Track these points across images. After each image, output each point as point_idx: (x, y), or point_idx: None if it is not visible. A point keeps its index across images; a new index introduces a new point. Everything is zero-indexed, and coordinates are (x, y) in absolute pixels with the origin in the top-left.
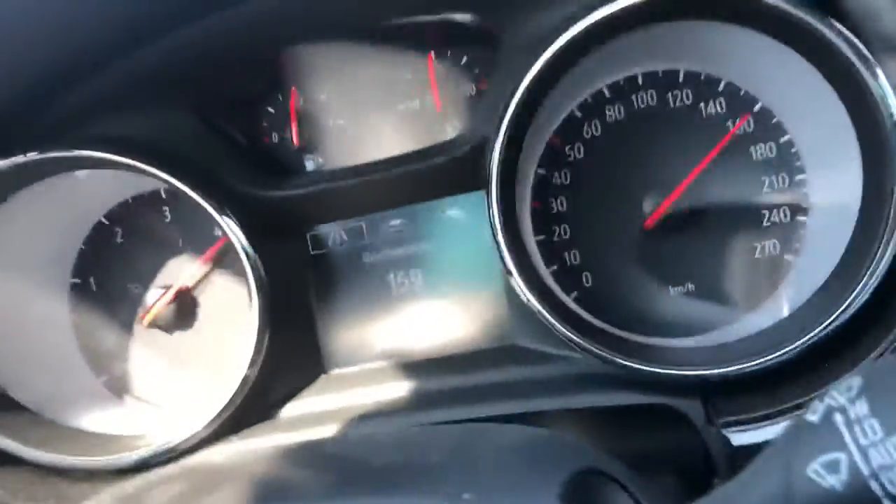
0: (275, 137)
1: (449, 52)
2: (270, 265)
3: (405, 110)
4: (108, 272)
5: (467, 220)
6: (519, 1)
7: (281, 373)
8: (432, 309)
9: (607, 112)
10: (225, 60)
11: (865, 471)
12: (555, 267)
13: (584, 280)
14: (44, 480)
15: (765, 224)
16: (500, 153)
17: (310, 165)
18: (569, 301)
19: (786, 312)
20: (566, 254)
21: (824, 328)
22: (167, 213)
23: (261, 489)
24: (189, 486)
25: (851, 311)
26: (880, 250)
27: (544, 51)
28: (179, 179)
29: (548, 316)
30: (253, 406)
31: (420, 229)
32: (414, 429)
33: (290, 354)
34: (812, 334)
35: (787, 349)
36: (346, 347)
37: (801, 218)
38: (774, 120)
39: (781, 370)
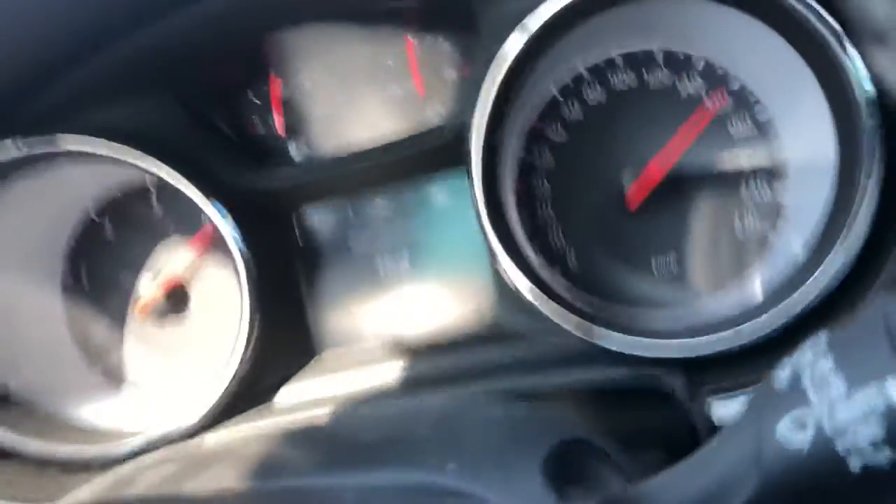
0: (259, 126)
1: (430, 38)
2: (258, 253)
3: (389, 96)
4: (98, 265)
5: (453, 204)
6: None
7: (272, 359)
8: (420, 292)
9: (587, 93)
10: (208, 49)
11: (830, 428)
12: (539, 247)
13: (568, 260)
14: (41, 472)
15: (744, 198)
16: (481, 136)
17: (295, 153)
18: (553, 281)
19: (768, 286)
20: (550, 234)
21: (806, 299)
22: (156, 205)
23: (250, 467)
24: (182, 467)
25: (831, 281)
26: (855, 219)
27: (521, 32)
28: (166, 170)
29: (533, 296)
30: (246, 393)
31: (406, 213)
32: (400, 405)
33: (281, 340)
34: (793, 305)
35: (768, 321)
36: (336, 331)
37: (779, 192)
38: (752, 97)
39: (765, 342)
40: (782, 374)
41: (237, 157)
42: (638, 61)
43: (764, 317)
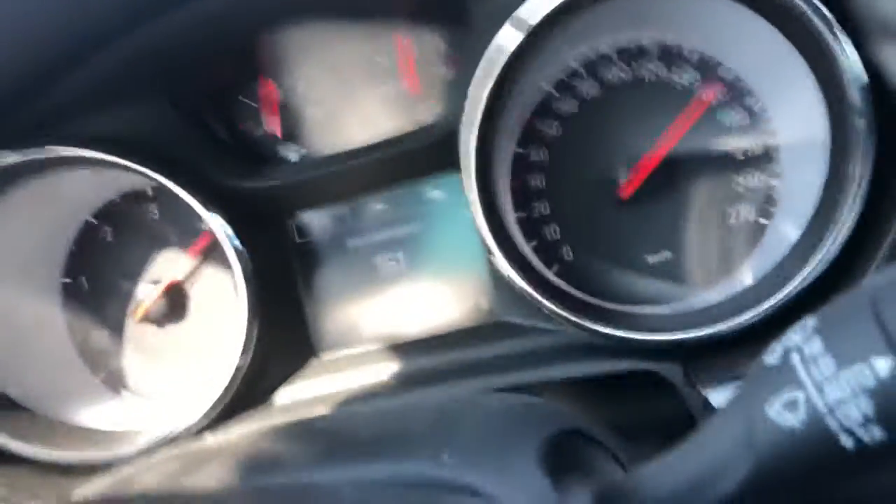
0: (253, 127)
1: (423, 34)
2: (256, 255)
3: (382, 94)
4: (98, 270)
5: (449, 201)
6: None
7: (272, 360)
8: (418, 290)
9: (581, 88)
10: (201, 52)
11: (822, 407)
12: (535, 242)
13: (564, 254)
14: (43, 477)
15: (738, 189)
16: (474, 133)
17: (290, 154)
18: (550, 275)
19: (761, 274)
20: (546, 229)
21: (799, 284)
22: (154, 209)
23: (249, 464)
24: (182, 465)
25: (822, 266)
26: (846, 207)
27: (513, 27)
28: (161, 175)
29: (530, 291)
30: (246, 394)
31: (403, 212)
32: (398, 401)
33: (280, 341)
34: (787, 292)
35: (763, 308)
36: (334, 332)
37: (773, 181)
38: (743, 85)
39: (760, 329)
40: (772, 356)
41: (232, 160)
42: (631, 54)
43: (758, 304)
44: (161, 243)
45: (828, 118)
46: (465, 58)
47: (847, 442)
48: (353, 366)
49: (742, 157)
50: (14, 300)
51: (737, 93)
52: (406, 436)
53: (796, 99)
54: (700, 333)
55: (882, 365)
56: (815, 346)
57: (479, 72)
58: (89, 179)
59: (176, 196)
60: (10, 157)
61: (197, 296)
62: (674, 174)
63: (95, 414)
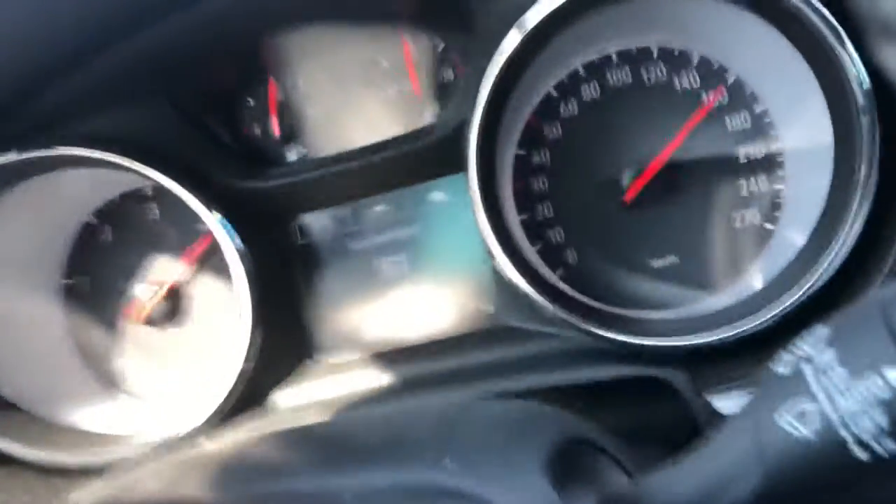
0: (256, 129)
1: (425, 37)
2: (257, 257)
3: (385, 96)
4: (98, 271)
5: (451, 203)
6: None
7: (272, 363)
8: (419, 293)
9: (583, 91)
10: (204, 53)
11: (834, 418)
12: (539, 246)
13: (568, 257)
14: (40, 479)
15: (743, 194)
16: (477, 135)
17: (292, 155)
18: (554, 279)
19: (767, 279)
20: (549, 232)
21: (805, 290)
22: (154, 210)
23: (249, 470)
24: (181, 471)
25: (829, 272)
26: (852, 212)
27: (517, 30)
28: (163, 175)
29: (533, 295)
30: (246, 398)
31: (405, 214)
32: (400, 405)
33: (281, 344)
34: (793, 297)
35: (769, 314)
36: (335, 335)
37: (778, 186)
38: (747, 90)
39: (766, 335)
40: (783, 366)
41: (234, 161)
42: (634, 58)
43: (764, 309)
44: (161, 244)
45: (832, 122)
46: (468, 60)
47: (860, 453)
48: (354, 370)
49: (746, 162)
50: (13, 300)
51: (741, 97)
52: (408, 442)
53: (800, 103)
54: (705, 339)
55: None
56: (827, 356)
57: (482, 74)
58: (89, 179)
59: (176, 197)
60: (11, 157)
61: (196, 298)
62: (678, 178)
63: (93, 416)
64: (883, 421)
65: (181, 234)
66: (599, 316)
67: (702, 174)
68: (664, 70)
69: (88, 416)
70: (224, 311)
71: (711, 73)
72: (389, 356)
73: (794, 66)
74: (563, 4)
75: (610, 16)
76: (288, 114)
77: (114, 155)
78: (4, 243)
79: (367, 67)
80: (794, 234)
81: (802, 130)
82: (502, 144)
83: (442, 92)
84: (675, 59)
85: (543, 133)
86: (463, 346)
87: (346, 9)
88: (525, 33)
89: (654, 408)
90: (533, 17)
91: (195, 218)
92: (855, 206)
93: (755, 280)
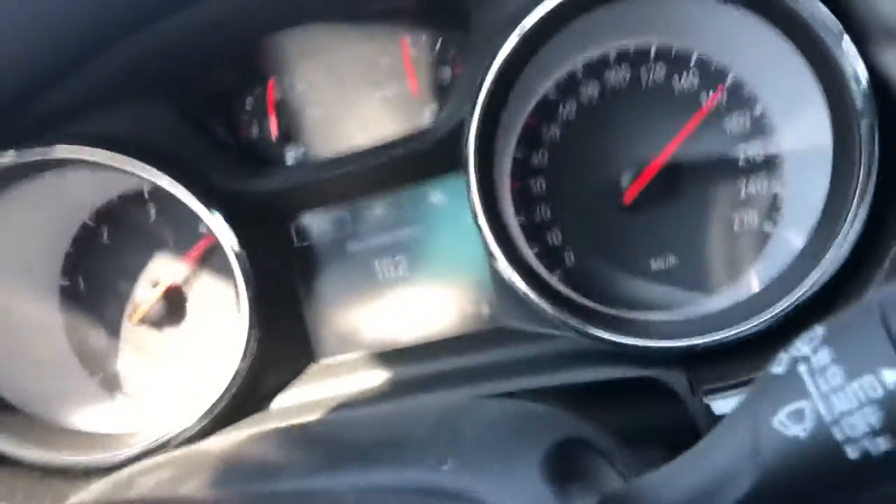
0: (255, 130)
1: (424, 38)
2: (256, 259)
3: (383, 97)
4: (96, 272)
5: (450, 204)
6: None
7: (271, 364)
8: (418, 294)
9: (581, 91)
10: (203, 54)
11: (828, 418)
12: (537, 247)
13: (566, 259)
14: (40, 480)
15: (742, 195)
16: (476, 136)
17: (291, 156)
18: (552, 280)
19: (766, 281)
20: (548, 233)
21: (804, 292)
22: (152, 211)
23: (249, 470)
24: (179, 470)
25: (828, 273)
26: (851, 214)
27: (514, 30)
28: (162, 177)
29: (532, 296)
30: (244, 399)
31: (403, 215)
32: (399, 406)
33: (279, 346)
34: (792, 299)
35: (767, 316)
36: (334, 336)
37: (777, 188)
38: (746, 91)
39: (764, 337)
40: (779, 366)
41: (233, 162)
42: (632, 58)
43: (763, 311)
44: (159, 246)
45: (832, 124)
46: (466, 61)
47: (853, 453)
48: (353, 371)
49: (745, 163)
50: (11, 301)
51: (740, 98)
52: (407, 442)
53: (800, 105)
54: (703, 341)
55: (890, 376)
56: (823, 356)
57: (480, 74)
58: (88, 181)
59: (175, 198)
60: (10, 157)
61: (195, 299)
62: (677, 180)
63: (91, 417)
64: (877, 420)
65: (179, 235)
66: (598, 317)
67: (701, 176)
68: (663, 71)
69: (87, 416)
70: (221, 312)
71: (710, 74)
72: (388, 357)
73: (794, 67)
74: (561, 5)
75: (608, 16)
76: (287, 114)
77: (112, 155)
78: (4, 243)
79: (366, 68)
80: (792, 236)
81: (802, 132)
82: (501, 145)
83: (440, 92)
84: (674, 60)
85: (542, 134)
86: (461, 346)
87: (345, 10)
88: (523, 33)
89: (652, 409)
90: (531, 18)
91: (194, 219)
92: (854, 207)
93: (754, 282)
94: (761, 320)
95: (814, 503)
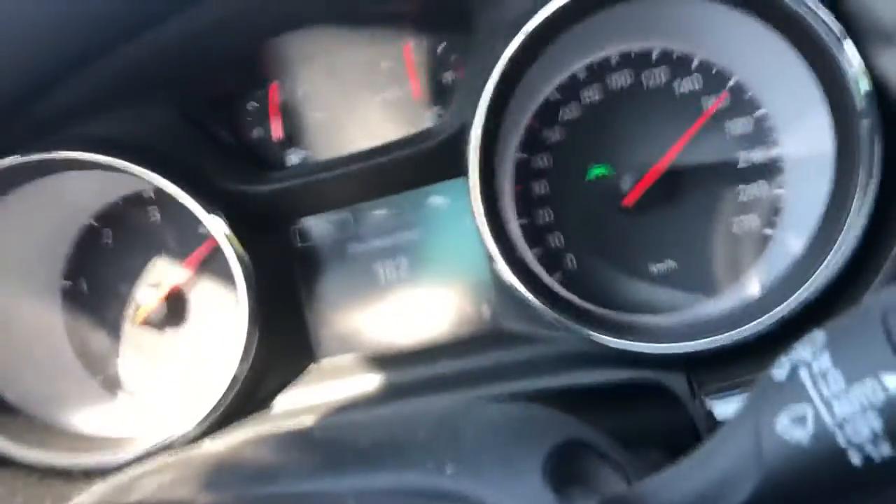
0: (257, 132)
1: (426, 41)
2: (257, 261)
3: (385, 100)
4: (98, 273)
5: (452, 207)
6: None
7: (271, 366)
8: (419, 297)
9: (583, 94)
10: (205, 57)
11: (830, 422)
12: (538, 250)
13: (567, 262)
14: (40, 481)
15: (742, 199)
16: (478, 138)
17: (293, 159)
18: (553, 283)
19: (766, 284)
20: (549, 236)
21: (804, 296)
22: (154, 213)
23: (250, 472)
24: (180, 473)
25: (829, 277)
26: (852, 217)
27: (517, 33)
28: (164, 179)
29: (532, 299)
30: (245, 400)
31: (405, 218)
32: (400, 409)
33: (280, 347)
34: (792, 303)
35: (767, 320)
36: (334, 338)
37: (777, 191)
38: (748, 94)
39: (764, 340)
40: (781, 370)
41: (235, 164)
42: (634, 61)
43: (763, 315)
44: (161, 247)
45: (833, 128)
46: (468, 64)
47: (855, 457)
48: (353, 373)
49: (746, 167)
50: (13, 302)
51: (741, 102)
52: (408, 445)
53: (802, 109)
54: (704, 344)
55: (892, 381)
56: (824, 361)
57: (482, 77)
58: (91, 182)
59: (177, 201)
60: (13, 160)
61: (196, 300)
62: (678, 183)
63: (92, 418)
64: (878, 425)
65: (181, 237)
66: (598, 320)
67: (702, 179)
68: (665, 74)
69: (88, 418)
70: (223, 314)
71: (712, 78)
72: (388, 359)
73: (795, 70)
74: (564, 8)
75: (610, 19)
76: (289, 117)
77: (115, 158)
78: (6, 246)
79: (368, 71)
80: (793, 240)
81: (803, 136)
82: (503, 148)
83: (442, 95)
84: (676, 63)
85: (544, 136)
86: (462, 349)
87: (347, 13)
88: (525, 37)
89: (652, 412)
90: (533, 21)
91: (195, 221)
92: (854, 211)
93: (754, 285)
94: (761, 324)
95: None
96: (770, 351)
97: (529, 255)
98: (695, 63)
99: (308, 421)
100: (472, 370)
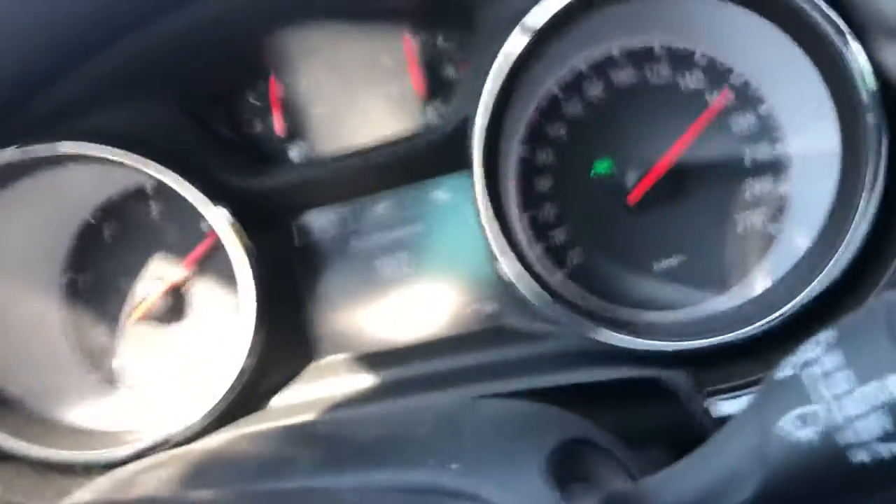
0: (258, 127)
1: (428, 35)
2: (258, 256)
3: (387, 94)
4: (99, 268)
5: (454, 203)
6: None
7: (272, 362)
8: (420, 293)
9: (587, 89)
10: (206, 51)
11: (836, 422)
12: (541, 246)
13: (571, 258)
14: (41, 476)
15: (747, 196)
16: (481, 134)
17: (294, 153)
18: (555, 280)
19: (772, 281)
20: (552, 232)
21: (811, 293)
22: (156, 208)
23: (250, 468)
24: (181, 469)
25: (835, 274)
26: (859, 213)
27: (519, 28)
28: (164, 174)
29: (535, 296)
30: (248, 395)
31: (406, 213)
32: (402, 405)
33: (281, 344)
34: (799, 300)
35: (772, 318)
36: (335, 335)
37: (783, 187)
38: (752, 91)
39: (769, 338)
40: (786, 370)
41: (236, 159)
42: (638, 57)
43: (769, 313)
44: (162, 242)
45: (839, 124)
46: (471, 58)
47: (861, 457)
48: (354, 370)
49: (752, 164)
50: (12, 297)
51: (747, 99)
52: (409, 441)
53: (807, 105)
54: (707, 342)
55: None
56: (831, 361)
57: (485, 72)
58: (91, 177)
59: (178, 195)
60: (13, 153)
61: (197, 296)
62: (682, 180)
63: (92, 414)
64: (884, 425)
65: (182, 231)
66: (601, 317)
67: (707, 176)
68: (668, 70)
69: (88, 413)
70: (223, 309)
71: (716, 74)
72: (389, 355)
73: (800, 67)
74: (567, 3)
75: (614, 14)
76: (290, 111)
77: (116, 151)
78: (6, 240)
79: (370, 65)
80: (799, 238)
81: (809, 132)
82: (506, 143)
83: (445, 90)
84: (680, 59)
85: (547, 132)
86: (464, 346)
87: (348, 6)
88: (529, 31)
89: (655, 410)
90: (536, 15)
91: (196, 216)
92: (861, 207)
93: (760, 282)
94: (766, 322)
95: None
96: (774, 350)
97: (532, 252)
98: (698, 59)
99: (309, 417)
100: (474, 367)
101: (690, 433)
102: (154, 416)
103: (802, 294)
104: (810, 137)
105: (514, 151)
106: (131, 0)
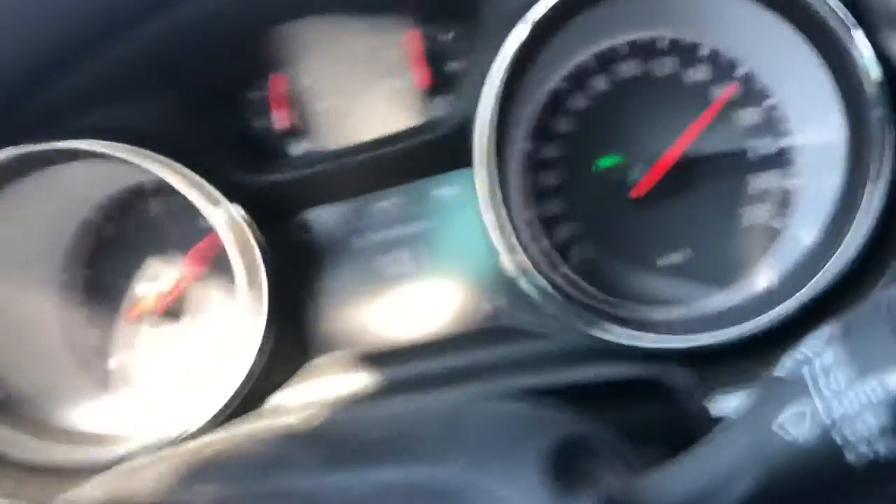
0: (260, 122)
1: (431, 29)
2: (264, 253)
3: (390, 90)
4: (99, 267)
5: (458, 199)
6: None
7: (275, 360)
8: (422, 291)
9: (592, 83)
10: (208, 46)
11: (833, 419)
12: (545, 242)
13: (575, 255)
14: (37, 478)
15: (753, 190)
16: (485, 129)
17: (297, 149)
18: (559, 277)
19: (777, 277)
20: (557, 228)
21: (815, 289)
22: (157, 205)
23: (251, 468)
24: (179, 465)
25: (840, 270)
26: (864, 209)
27: (524, 21)
28: (166, 170)
29: (538, 291)
30: (250, 396)
31: (410, 210)
32: (404, 403)
33: (283, 342)
34: (803, 296)
35: (777, 313)
36: (337, 332)
37: (789, 183)
38: (758, 84)
39: (773, 334)
40: (784, 366)
41: (238, 155)
42: (643, 50)
43: (773, 308)
44: (163, 241)
45: (845, 118)
46: (475, 53)
47: (858, 454)
48: (356, 368)
49: (757, 158)
50: (11, 295)
51: (752, 92)
52: (412, 440)
53: (813, 98)
54: (710, 338)
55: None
56: (828, 358)
57: (489, 66)
58: (91, 174)
59: (179, 192)
60: (13, 151)
61: (197, 295)
62: (687, 174)
63: (90, 414)
64: (882, 422)
65: (183, 230)
66: (604, 314)
67: (712, 170)
68: (674, 64)
69: (87, 414)
70: (224, 310)
71: (721, 67)
72: (391, 353)
73: (806, 60)
74: None
75: (619, 7)
76: (293, 107)
77: (119, 150)
78: (5, 238)
79: (374, 60)
80: (804, 233)
81: (815, 125)
82: (510, 138)
83: (449, 85)
84: (685, 52)
85: (552, 127)
86: (468, 344)
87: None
88: (533, 25)
89: (655, 406)
90: (541, 9)
91: (197, 214)
92: (867, 202)
93: (765, 278)
94: (770, 318)
95: None
96: (778, 346)
97: (536, 248)
98: (704, 52)
99: (310, 415)
100: (478, 365)
101: (690, 431)
102: (154, 416)
103: (808, 290)
104: (816, 131)
105: (518, 146)
106: None
